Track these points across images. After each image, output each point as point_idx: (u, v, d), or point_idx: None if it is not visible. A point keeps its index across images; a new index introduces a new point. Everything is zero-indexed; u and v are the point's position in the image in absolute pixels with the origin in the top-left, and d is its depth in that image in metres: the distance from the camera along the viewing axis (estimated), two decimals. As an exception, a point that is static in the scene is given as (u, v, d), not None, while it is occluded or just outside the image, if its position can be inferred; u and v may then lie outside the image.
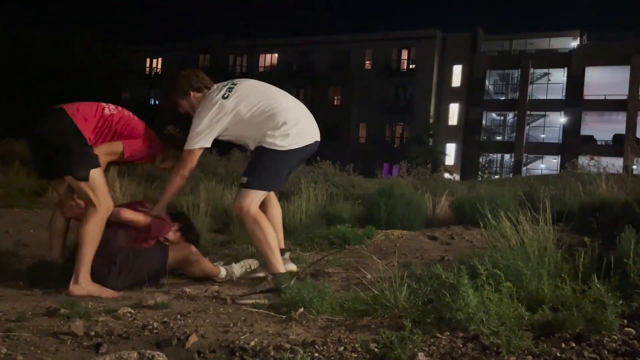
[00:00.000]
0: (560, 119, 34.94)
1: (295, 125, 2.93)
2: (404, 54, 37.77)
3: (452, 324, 2.01)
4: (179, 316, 2.30)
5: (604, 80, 32.27)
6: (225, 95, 2.94)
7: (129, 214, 3.00)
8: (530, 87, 35.68)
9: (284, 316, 2.31)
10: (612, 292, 2.04)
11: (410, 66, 37.44)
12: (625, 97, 29.19)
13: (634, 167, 13.15)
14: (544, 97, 35.86)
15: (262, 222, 2.86)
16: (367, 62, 38.09)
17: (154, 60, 43.85)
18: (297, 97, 3.28)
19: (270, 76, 33.05)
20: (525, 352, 1.76)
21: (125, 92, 29.53)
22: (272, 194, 3.18)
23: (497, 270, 2.22)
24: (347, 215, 5.51)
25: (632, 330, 1.96)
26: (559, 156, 32.85)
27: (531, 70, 35.48)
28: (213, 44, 41.38)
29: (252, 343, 1.91)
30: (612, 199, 5.02)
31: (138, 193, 6.57)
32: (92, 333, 2.01)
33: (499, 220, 2.94)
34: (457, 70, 36.69)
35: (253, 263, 3.44)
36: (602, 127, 33.30)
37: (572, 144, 30.99)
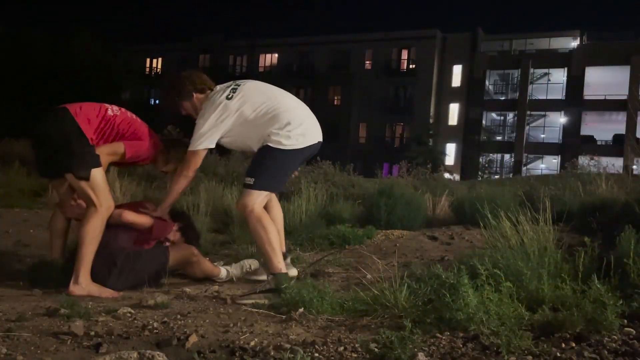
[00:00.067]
0: (560, 119, 34.95)
1: (300, 126, 2.94)
2: (404, 54, 37.78)
3: (452, 324, 2.01)
4: (179, 316, 2.30)
5: (604, 80, 32.27)
6: (229, 96, 2.95)
7: (130, 216, 3.00)
8: (530, 87, 35.68)
9: (284, 316, 2.31)
10: (612, 292, 2.04)
11: (410, 66, 37.45)
12: (625, 97, 29.19)
13: (634, 167, 13.15)
14: (544, 97, 35.86)
15: (265, 221, 2.87)
16: (367, 62, 38.10)
17: (154, 60, 43.86)
18: (297, 97, 3.28)
19: (270, 76, 33.07)
20: (525, 352, 1.76)
21: (125, 92, 29.56)
22: (274, 197, 3.18)
23: (497, 270, 2.22)
24: (347, 215, 5.52)
25: (632, 330, 1.96)
26: (559, 156, 32.85)
27: (531, 70, 35.48)
28: (213, 44, 41.38)
29: (252, 343, 1.91)
30: (612, 199, 5.02)
31: (138, 193, 6.57)
32: (92, 333, 2.01)
33: (499, 220, 2.94)
34: (457, 70, 36.69)
35: (253, 263, 3.44)
36: (602, 127, 33.30)
37: (572, 144, 31.00)
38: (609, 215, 4.32)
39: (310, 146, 2.99)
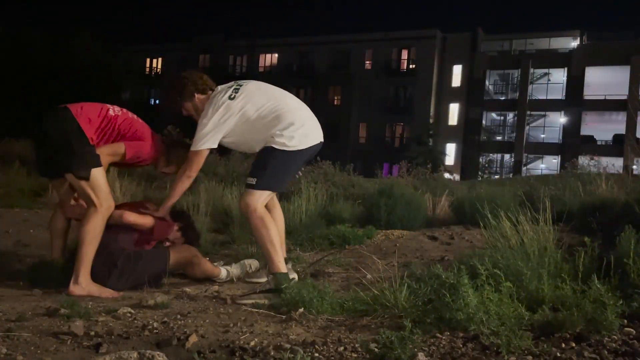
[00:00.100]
0: (560, 119, 34.95)
1: (303, 126, 2.96)
2: (404, 54, 37.79)
3: (452, 324, 2.01)
4: (179, 316, 2.30)
5: (604, 80, 32.28)
6: (232, 96, 2.95)
7: (132, 217, 3.00)
8: (530, 87, 35.69)
9: (284, 316, 2.31)
10: (612, 292, 2.04)
11: (410, 66, 37.45)
12: (625, 97, 29.19)
13: (634, 167, 13.15)
14: (544, 97, 35.87)
15: (267, 221, 2.88)
16: (367, 62, 38.10)
17: (154, 60, 43.87)
18: (297, 97, 3.28)
19: (270, 76, 33.06)
20: (525, 352, 1.76)
21: (125, 92, 29.55)
22: (275, 200, 3.19)
23: (497, 270, 2.22)
24: (347, 215, 5.52)
25: (632, 330, 1.96)
26: (559, 156, 32.86)
27: (531, 70, 35.49)
28: (213, 44, 41.39)
29: (252, 343, 1.91)
30: (612, 199, 5.02)
31: (138, 193, 6.57)
32: (92, 333, 2.01)
33: (499, 220, 2.94)
34: (457, 70, 36.70)
35: (253, 263, 3.44)
36: (602, 127, 33.31)
37: (572, 144, 31.01)
38: (609, 215, 4.32)
39: (312, 147, 3.01)
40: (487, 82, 36.96)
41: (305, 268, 3.50)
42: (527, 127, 35.53)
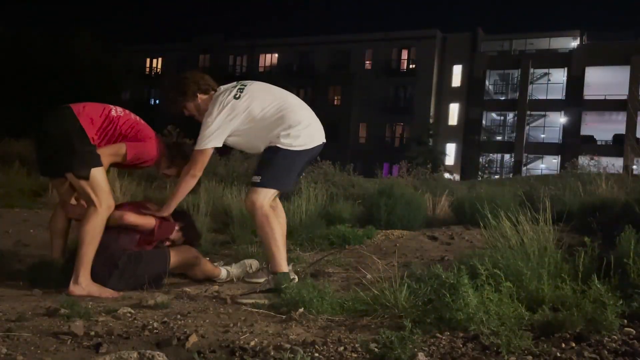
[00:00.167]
0: (560, 119, 34.96)
1: (309, 126, 2.98)
2: (404, 54, 37.79)
3: (452, 324, 2.01)
4: (179, 316, 2.30)
5: (604, 80, 32.28)
6: (237, 96, 2.97)
7: (132, 218, 2.99)
8: (530, 87, 35.70)
9: (284, 316, 2.31)
10: (612, 292, 2.04)
11: (410, 66, 37.46)
12: (625, 97, 29.18)
13: (634, 167, 13.15)
14: (544, 97, 35.88)
15: (272, 219, 2.89)
16: (367, 62, 38.11)
17: (154, 60, 43.88)
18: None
19: (270, 76, 33.04)
20: (525, 352, 1.76)
21: (125, 92, 29.57)
22: (277, 200, 3.19)
23: (497, 270, 2.22)
24: (347, 215, 5.52)
25: (632, 330, 1.96)
26: (559, 156, 32.86)
27: (531, 70, 35.50)
28: (213, 44, 41.40)
29: (252, 343, 1.91)
30: (612, 199, 5.02)
31: (138, 193, 6.57)
32: (92, 333, 2.01)
33: (499, 220, 2.94)
34: (457, 70, 36.70)
35: (253, 263, 3.44)
36: (602, 127, 33.32)
37: (572, 144, 31.02)
38: (609, 215, 4.32)
39: (316, 147, 3.03)
40: (487, 82, 36.97)
41: (305, 268, 3.50)
42: (527, 127, 35.54)
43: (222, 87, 3.09)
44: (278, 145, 2.92)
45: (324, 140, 3.10)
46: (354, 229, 4.77)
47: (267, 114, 2.95)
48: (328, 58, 38.64)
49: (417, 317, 2.11)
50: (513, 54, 38.13)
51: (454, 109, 36.78)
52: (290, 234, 4.43)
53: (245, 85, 3.05)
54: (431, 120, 34.99)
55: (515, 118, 35.98)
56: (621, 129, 30.69)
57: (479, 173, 31.40)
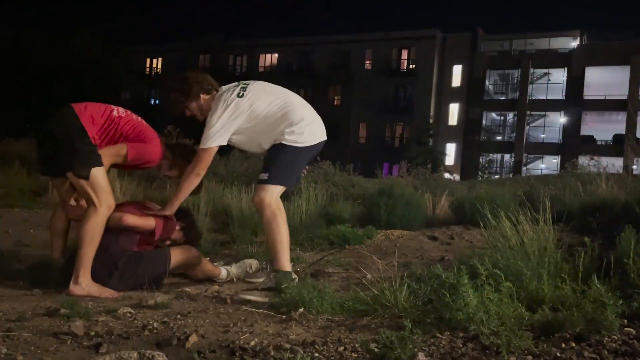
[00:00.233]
0: (560, 119, 34.96)
1: (311, 123, 3.02)
2: (404, 54, 37.80)
3: (452, 324, 2.01)
4: (179, 316, 2.30)
5: (604, 80, 32.28)
6: (240, 94, 2.99)
7: (131, 219, 2.98)
8: (530, 87, 35.70)
9: (284, 316, 2.31)
10: (612, 292, 2.04)
11: (410, 66, 37.46)
12: (625, 97, 29.20)
13: (634, 167, 13.15)
14: (544, 97, 35.88)
15: (280, 217, 2.90)
16: (367, 62, 38.11)
17: (154, 60, 43.87)
18: (297, 97, 3.30)
19: (270, 76, 32.99)
20: (525, 352, 1.76)
21: (125, 92, 29.56)
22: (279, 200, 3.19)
23: (497, 270, 2.22)
24: (347, 215, 5.52)
25: (632, 330, 1.96)
26: (559, 156, 32.86)
27: (531, 70, 35.50)
28: (213, 44, 41.40)
29: (252, 343, 1.91)
30: (612, 199, 5.03)
31: (138, 193, 6.57)
32: (92, 333, 2.01)
33: (499, 220, 2.94)
34: (457, 70, 36.70)
35: (253, 263, 3.44)
36: (602, 127, 33.32)
37: (572, 144, 31.01)
38: (609, 215, 4.32)
39: (318, 144, 3.06)
40: (487, 82, 36.97)
41: (305, 268, 3.50)
42: (527, 127, 35.54)
43: (224, 87, 3.11)
44: (283, 142, 2.94)
45: (325, 138, 3.13)
46: (354, 229, 4.77)
47: (270, 112, 2.97)
48: (328, 58, 38.64)
49: (417, 317, 2.11)
50: (513, 54, 38.13)
51: (454, 109, 36.78)
52: (290, 234, 4.42)
53: (248, 84, 3.07)
54: (431, 120, 34.99)
55: (515, 118, 35.98)
56: (621, 129, 30.69)
57: (479, 173, 31.41)
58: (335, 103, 38.04)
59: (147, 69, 43.55)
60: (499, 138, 37.61)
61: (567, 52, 35.30)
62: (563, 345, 1.84)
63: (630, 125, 26.98)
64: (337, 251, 4.18)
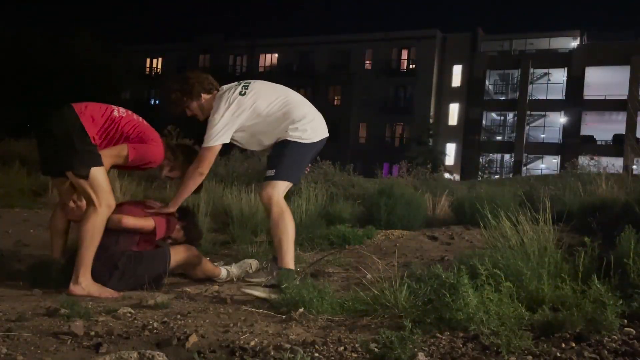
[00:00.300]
0: (560, 119, 34.96)
1: (313, 120, 3.03)
2: (404, 54, 37.79)
3: (452, 324, 2.01)
4: (179, 316, 2.30)
5: (604, 80, 32.28)
6: (243, 92, 3.00)
7: (130, 221, 2.98)
8: (530, 87, 35.69)
9: (284, 316, 2.31)
10: (612, 292, 2.04)
11: (410, 66, 37.46)
12: (625, 97, 29.20)
13: (634, 167, 13.15)
14: (544, 97, 35.87)
15: (287, 215, 2.90)
16: (367, 62, 38.10)
17: (154, 60, 43.86)
18: (297, 97, 3.30)
19: (270, 76, 32.95)
20: (525, 352, 1.76)
21: (125, 92, 29.56)
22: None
23: (497, 270, 2.22)
24: (347, 215, 5.52)
25: (632, 330, 1.96)
26: (559, 156, 32.86)
27: (531, 70, 35.49)
28: (213, 44, 41.39)
29: (252, 343, 1.91)
30: (612, 199, 5.03)
31: (138, 193, 6.57)
32: (92, 333, 2.01)
33: (499, 220, 2.94)
34: (457, 70, 36.70)
35: (253, 263, 3.44)
36: (602, 127, 33.31)
37: (572, 144, 31.01)
38: (609, 215, 4.33)
39: (321, 140, 3.07)
40: (487, 82, 36.97)
41: (305, 268, 3.49)
42: (527, 127, 35.54)
43: (225, 87, 3.11)
44: (288, 138, 2.95)
45: (328, 134, 3.14)
46: (354, 229, 4.78)
47: (272, 110, 2.98)
48: (328, 58, 38.63)
49: (417, 317, 2.11)
50: (513, 54, 38.12)
51: (454, 109, 36.78)
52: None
53: (250, 83, 3.09)
54: (431, 120, 34.98)
55: (515, 118, 35.98)
56: (621, 129, 30.69)
57: (479, 173, 31.41)
58: (335, 103, 38.03)
59: (147, 69, 43.54)
60: (499, 138, 37.61)
61: (567, 52, 35.29)
62: (563, 345, 1.84)
63: (630, 125, 26.99)
64: (337, 251, 4.18)
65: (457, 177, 28.66)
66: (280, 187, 2.93)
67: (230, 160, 9.80)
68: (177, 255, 3.06)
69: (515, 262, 2.38)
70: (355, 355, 1.81)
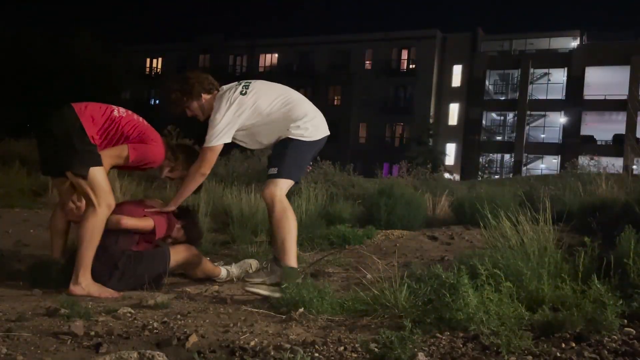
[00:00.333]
0: (560, 119, 34.96)
1: (314, 118, 3.04)
2: (404, 54, 37.79)
3: (452, 324, 2.01)
4: (179, 316, 2.30)
5: (604, 80, 32.28)
6: (243, 92, 3.01)
7: (130, 222, 2.98)
8: (530, 87, 35.69)
9: (284, 316, 2.31)
10: (612, 292, 2.04)
11: (410, 66, 37.46)
12: (625, 97, 29.20)
13: (634, 167, 13.14)
14: (544, 97, 35.87)
15: (290, 213, 2.91)
16: (367, 62, 38.10)
17: (154, 60, 43.85)
18: (297, 97, 3.29)
19: (270, 76, 32.96)
20: (525, 352, 1.76)
21: (125, 92, 29.55)
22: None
23: (497, 270, 2.22)
24: (347, 215, 5.52)
25: (632, 330, 1.96)
26: (559, 156, 32.86)
27: (531, 70, 35.49)
28: (213, 44, 41.39)
29: (252, 343, 1.91)
30: (612, 199, 5.03)
31: (138, 193, 6.58)
32: (92, 333, 2.01)
33: (499, 220, 2.94)
34: (457, 70, 36.70)
35: (253, 263, 3.44)
36: (602, 127, 33.31)
37: (572, 144, 31.01)
38: (609, 215, 4.32)
39: (322, 138, 3.08)
40: (487, 82, 36.96)
41: (305, 268, 3.49)
42: (527, 127, 35.54)
43: (225, 87, 3.11)
44: (290, 136, 2.96)
45: (328, 133, 3.15)
46: (354, 229, 4.78)
47: (273, 109, 2.99)
48: (328, 58, 38.63)
49: (417, 317, 2.11)
50: (513, 54, 38.12)
51: (454, 109, 36.78)
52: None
53: (250, 83, 3.09)
54: (431, 120, 34.98)
55: (515, 118, 35.98)
56: (621, 129, 30.69)
57: (479, 173, 31.41)
58: (335, 103, 38.03)
59: (147, 69, 43.53)
60: (499, 138, 37.61)
61: (567, 52, 35.29)
62: (563, 345, 1.84)
63: (630, 125, 26.99)
64: (337, 251, 4.18)
65: (457, 177, 28.66)
66: (283, 185, 2.94)
67: (230, 160, 9.80)
68: (177, 255, 3.06)
69: (515, 262, 2.38)
70: (355, 355, 1.81)
